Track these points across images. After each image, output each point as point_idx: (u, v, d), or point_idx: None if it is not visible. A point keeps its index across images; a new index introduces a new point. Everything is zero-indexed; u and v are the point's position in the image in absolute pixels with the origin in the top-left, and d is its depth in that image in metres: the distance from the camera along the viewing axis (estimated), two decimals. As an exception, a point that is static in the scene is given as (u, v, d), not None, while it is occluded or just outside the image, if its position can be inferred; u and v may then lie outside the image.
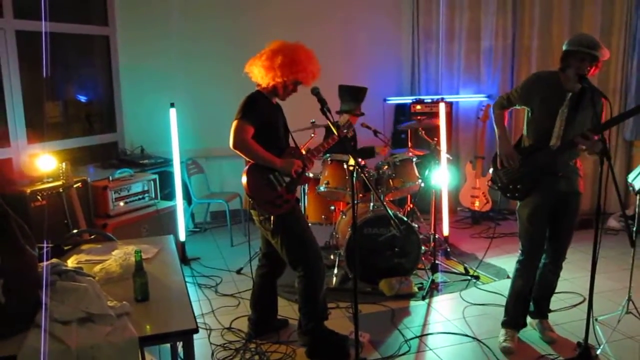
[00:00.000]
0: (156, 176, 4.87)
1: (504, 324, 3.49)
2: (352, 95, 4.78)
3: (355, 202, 4.12)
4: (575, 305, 3.95)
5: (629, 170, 5.54)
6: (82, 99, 5.96)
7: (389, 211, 3.01)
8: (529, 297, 3.49)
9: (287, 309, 3.93)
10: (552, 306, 3.64)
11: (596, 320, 3.57)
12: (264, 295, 3.59)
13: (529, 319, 3.58)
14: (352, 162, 2.85)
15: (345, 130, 3.82)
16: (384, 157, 4.85)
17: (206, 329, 3.65)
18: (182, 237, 4.96)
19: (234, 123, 3.16)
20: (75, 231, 3.50)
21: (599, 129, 3.00)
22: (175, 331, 2.03)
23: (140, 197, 4.69)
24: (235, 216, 5.84)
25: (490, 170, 3.59)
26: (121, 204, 4.50)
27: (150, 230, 4.59)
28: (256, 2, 6.12)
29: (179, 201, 4.94)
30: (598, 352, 3.23)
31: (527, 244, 3.40)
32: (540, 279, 3.48)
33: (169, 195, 5.33)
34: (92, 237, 3.27)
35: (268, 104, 3.31)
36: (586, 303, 3.57)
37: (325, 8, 6.31)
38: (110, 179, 4.50)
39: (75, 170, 4.35)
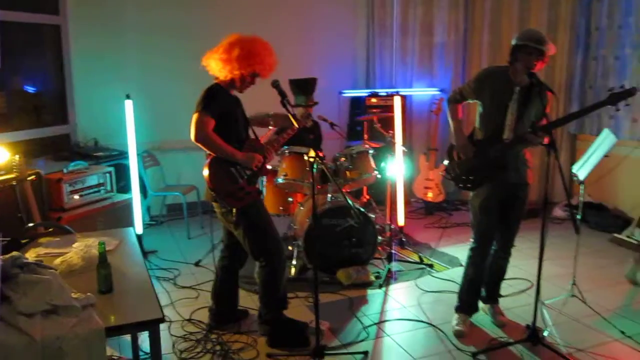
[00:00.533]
0: (112, 169, 4.80)
1: (457, 309, 3.63)
2: (302, 88, 4.82)
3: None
4: (523, 291, 4.14)
5: (573, 162, 5.80)
6: (30, 89, 5.80)
7: (349, 201, 3.09)
8: (481, 283, 3.64)
9: (247, 300, 3.96)
10: (502, 292, 3.80)
11: (543, 304, 3.75)
12: (226, 286, 3.62)
13: (480, 304, 3.73)
14: (312, 153, 2.91)
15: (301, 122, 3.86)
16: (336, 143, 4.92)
17: (166, 321, 3.65)
18: (138, 230, 4.92)
19: (195, 116, 3.15)
20: (32, 224, 3.43)
21: (551, 126, 3.15)
22: (142, 321, 2.05)
23: (96, 190, 4.61)
24: (192, 209, 5.81)
25: (445, 162, 3.71)
26: (76, 197, 4.42)
27: (106, 223, 4.52)
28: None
29: (136, 194, 4.89)
30: (545, 334, 3.41)
31: (479, 233, 3.55)
32: (491, 266, 3.64)
33: (124, 188, 5.25)
34: (50, 230, 3.21)
35: (227, 96, 3.32)
36: (534, 288, 3.76)
37: (282, 2, 6.33)
38: (65, 171, 4.42)
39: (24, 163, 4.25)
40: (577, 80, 6.06)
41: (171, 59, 5.85)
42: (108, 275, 2.25)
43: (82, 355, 1.90)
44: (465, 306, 3.62)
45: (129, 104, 4.71)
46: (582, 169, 3.87)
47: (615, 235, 5.26)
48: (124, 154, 5.29)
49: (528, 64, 3.23)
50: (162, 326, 3.50)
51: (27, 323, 1.91)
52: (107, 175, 4.72)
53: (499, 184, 3.45)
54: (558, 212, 6.05)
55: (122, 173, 5.23)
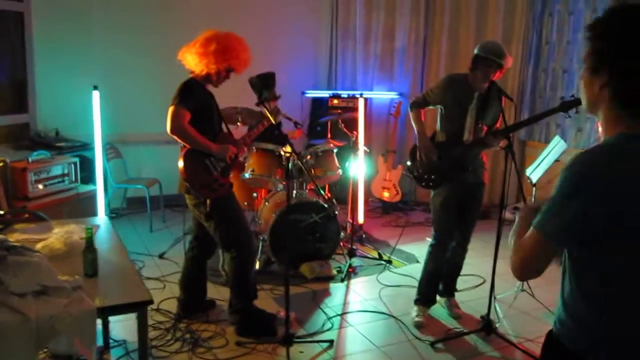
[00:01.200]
0: (77, 159, 4.78)
1: (417, 302, 3.84)
2: (264, 82, 4.92)
3: (278, 190, 4.33)
4: (477, 286, 4.38)
5: (522, 166, 6.13)
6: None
7: (322, 192, 3.24)
8: (440, 278, 3.86)
9: (212, 291, 4.04)
10: (457, 286, 4.04)
11: (495, 298, 4.00)
12: (195, 276, 3.70)
13: (437, 298, 3.95)
14: (288, 149, 3.04)
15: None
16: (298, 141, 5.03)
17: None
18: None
19: (171, 108, 3.24)
20: (9, 210, 3.42)
21: (507, 130, 3.40)
22: (131, 302, 2.14)
23: (60, 180, 4.59)
24: (153, 202, 5.82)
25: (408, 162, 3.91)
26: (40, 186, 4.39)
27: (70, 214, 4.49)
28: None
29: (100, 185, 4.88)
30: (497, 325, 3.65)
31: (439, 230, 3.75)
32: (449, 261, 3.86)
33: (85, 179, 5.22)
34: (25, 217, 3.22)
35: (202, 90, 3.42)
36: (486, 284, 4.02)
37: (247, 3, 6.41)
38: (30, 160, 4.38)
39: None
40: (528, 90, 6.40)
41: (136, 54, 5.86)
42: (94, 259, 2.32)
43: (75, 334, 1.98)
44: (424, 299, 3.83)
45: (96, 95, 4.70)
46: (534, 173, 4.15)
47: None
48: (86, 145, 5.26)
49: (487, 74, 3.47)
50: (130, 315, 3.59)
51: (20, 302, 1.97)
52: (72, 165, 4.71)
53: (458, 184, 3.67)
54: (507, 214, 6.35)
55: (84, 164, 5.20)
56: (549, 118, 6.14)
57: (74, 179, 4.72)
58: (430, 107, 3.80)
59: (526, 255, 1.47)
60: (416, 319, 3.74)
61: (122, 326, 3.50)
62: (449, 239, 3.76)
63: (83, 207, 4.68)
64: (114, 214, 5.95)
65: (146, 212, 5.63)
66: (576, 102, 3.27)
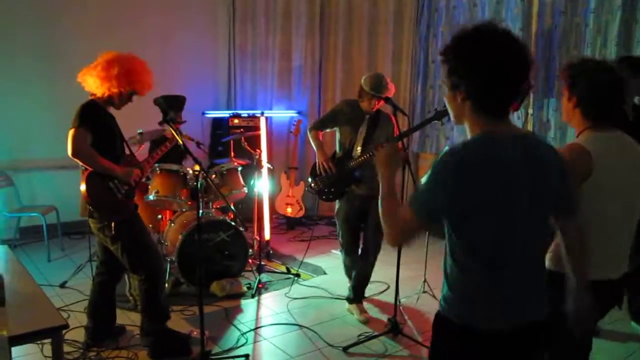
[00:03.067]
0: (-36, 189, 4.51)
1: (353, 301, 4.15)
2: (170, 103, 4.92)
3: (185, 210, 4.34)
4: (382, 292, 4.61)
5: (416, 178, 6.50)
6: None
7: (232, 208, 3.30)
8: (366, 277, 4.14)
9: (121, 317, 3.94)
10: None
11: (400, 302, 4.23)
12: (103, 302, 3.61)
13: (346, 305, 4.14)
14: (197, 167, 3.09)
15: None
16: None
17: (38, 344, 3.53)
18: (-7, 253, 4.63)
19: (71, 131, 3.17)
20: None
21: (399, 137, 3.70)
22: (45, 328, 2.09)
23: (-54, 211, 4.31)
24: (49, 231, 5.56)
25: (309, 178, 4.10)
26: None
27: (-43, 246, 4.23)
28: (66, 14, 5.92)
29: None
30: (402, 326, 3.87)
31: (344, 240, 4.02)
32: (358, 272, 4.09)
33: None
34: None
35: (104, 112, 3.38)
36: (390, 289, 4.25)
37: (140, 25, 6.28)
38: None
39: None
40: (418, 105, 6.82)
41: (21, 79, 5.62)
42: (0, 287, 2.24)
43: (-14, 364, 1.91)
44: (357, 296, 4.15)
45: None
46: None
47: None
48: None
49: (370, 104, 3.85)
50: (33, 348, 3.45)
51: None
52: (-41, 195, 4.43)
53: (354, 196, 3.98)
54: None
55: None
56: (437, 131, 6.61)
57: (-39, 209, 4.44)
58: (327, 130, 4.09)
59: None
60: (359, 317, 4.04)
61: (26, 361, 3.36)
62: (354, 247, 4.04)
63: (-28, 239, 4.41)
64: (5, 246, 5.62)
65: (43, 242, 5.38)
66: (446, 111, 3.67)
